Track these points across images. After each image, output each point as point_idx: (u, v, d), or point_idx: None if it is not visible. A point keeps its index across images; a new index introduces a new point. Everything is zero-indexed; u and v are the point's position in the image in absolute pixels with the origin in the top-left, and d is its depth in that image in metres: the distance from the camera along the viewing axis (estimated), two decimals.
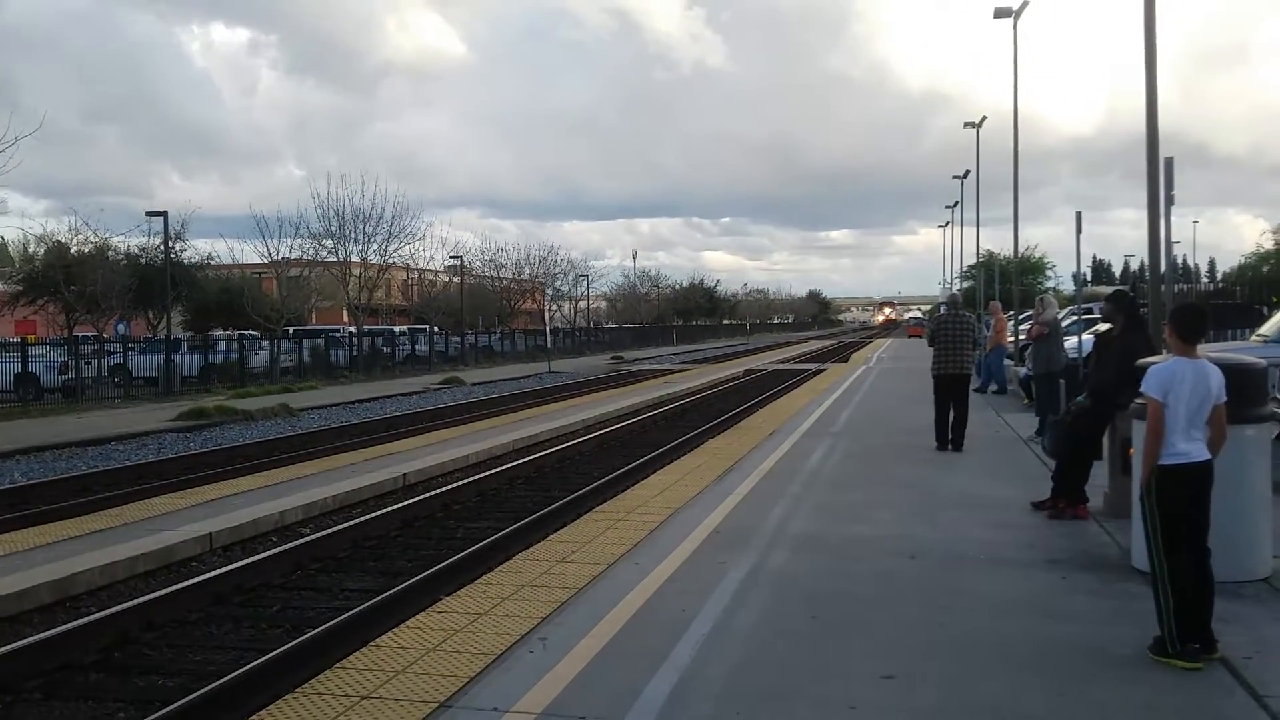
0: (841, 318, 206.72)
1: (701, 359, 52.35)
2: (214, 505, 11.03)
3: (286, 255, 44.37)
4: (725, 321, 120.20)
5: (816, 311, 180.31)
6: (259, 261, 45.59)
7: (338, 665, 5.34)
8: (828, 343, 77.67)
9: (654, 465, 13.43)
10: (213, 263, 48.88)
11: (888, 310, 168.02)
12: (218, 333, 43.21)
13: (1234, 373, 6.07)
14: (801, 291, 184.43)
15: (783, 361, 44.79)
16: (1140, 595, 5.60)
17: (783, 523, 8.66)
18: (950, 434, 13.04)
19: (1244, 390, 6.30)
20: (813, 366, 38.44)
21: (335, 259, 45.28)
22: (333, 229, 44.61)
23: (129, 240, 42.64)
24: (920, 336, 68.93)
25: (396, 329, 51.78)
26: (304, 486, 12.12)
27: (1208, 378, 5.22)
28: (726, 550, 7.64)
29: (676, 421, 20.60)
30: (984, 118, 38.66)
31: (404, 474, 13.10)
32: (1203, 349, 5.53)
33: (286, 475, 13.11)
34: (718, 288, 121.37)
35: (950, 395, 13.11)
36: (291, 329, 43.40)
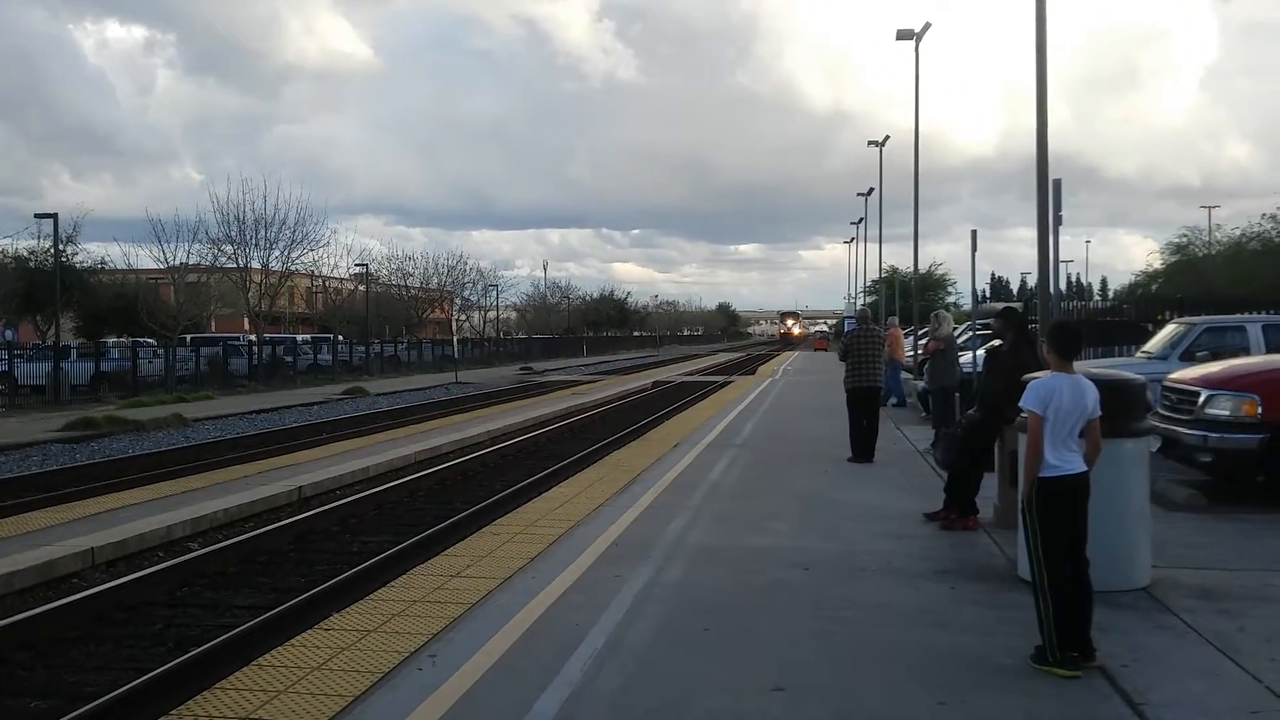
0: (750, 330, 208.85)
1: (611, 370, 52.39)
2: (98, 519, 10.64)
3: (184, 261, 43.28)
4: (635, 333, 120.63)
5: (726, 324, 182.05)
6: (155, 267, 44.35)
7: (218, 685, 5.18)
8: (736, 355, 78.39)
9: (557, 478, 13.35)
10: (106, 267, 47.44)
11: (790, 322, 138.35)
12: (111, 340, 41.89)
13: (1112, 388, 6.29)
14: (711, 304, 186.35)
15: (691, 374, 45.04)
16: (1024, 605, 5.72)
17: (681, 535, 8.67)
18: (863, 443, 13.27)
19: (1123, 405, 6.51)
20: (720, 379, 38.73)
21: (235, 265, 44.31)
22: (233, 234, 43.75)
23: (17, 243, 41.21)
24: (825, 350, 70.14)
25: (299, 338, 50.78)
26: (194, 500, 11.76)
27: (1084, 393, 5.38)
28: (624, 563, 7.63)
29: (582, 433, 20.56)
30: (887, 137, 39.68)
31: (300, 487, 12.80)
32: (1092, 364, 5.71)
33: (176, 488, 12.71)
34: (628, 299, 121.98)
35: (863, 407, 13.36)
36: (189, 337, 42.29)
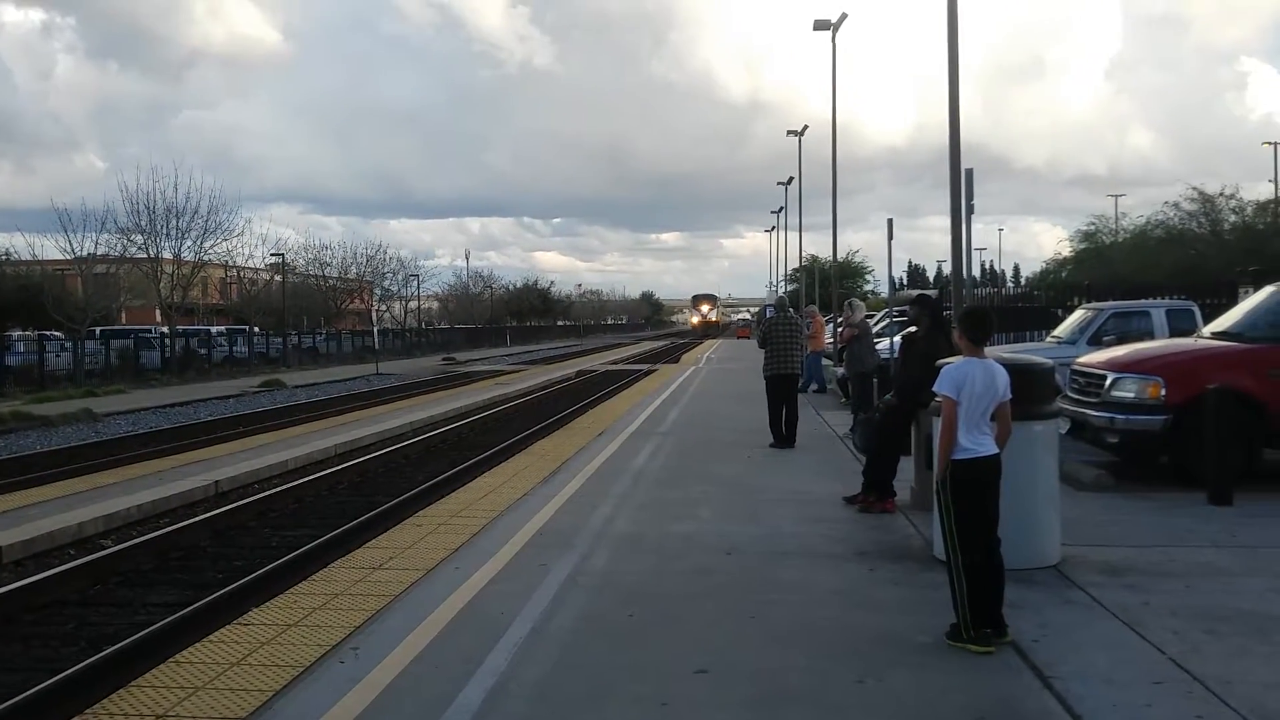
0: (674, 319, 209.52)
1: (535, 360, 52.22)
2: (4, 517, 10.33)
3: (92, 251, 41.98)
4: (560, 322, 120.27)
5: (650, 313, 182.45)
6: (62, 257, 42.95)
7: (133, 684, 5.06)
8: (660, 344, 78.63)
9: (481, 468, 13.30)
10: (10, 259, 45.84)
11: (706, 308, 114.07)
12: (16, 333, 40.48)
13: (1022, 372, 6.46)
14: (634, 293, 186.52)
15: (615, 362, 45.11)
16: (940, 584, 5.85)
17: (606, 523, 8.70)
18: (784, 430, 13.44)
19: (1032, 389, 6.70)
20: (645, 367, 38.85)
21: (146, 255, 43.12)
22: (143, 223, 42.52)
23: None
24: (748, 337, 70.72)
25: (214, 329, 49.64)
26: (106, 496, 11.47)
27: (995, 377, 5.52)
28: (549, 552, 7.63)
29: (506, 423, 20.47)
30: (805, 126, 40.05)
31: (216, 481, 12.56)
32: (1003, 349, 5.85)
33: (87, 484, 12.38)
34: (551, 289, 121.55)
35: (782, 394, 13.51)
36: (98, 329, 41.10)
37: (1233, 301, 15.67)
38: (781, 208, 53.18)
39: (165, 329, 43.29)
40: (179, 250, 43.94)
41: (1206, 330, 11.71)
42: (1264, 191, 45.86)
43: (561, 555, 7.49)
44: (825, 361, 23.54)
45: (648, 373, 34.43)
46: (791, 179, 45.15)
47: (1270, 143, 52.24)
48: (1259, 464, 9.90)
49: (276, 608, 6.39)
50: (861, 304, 15.60)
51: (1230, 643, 5.40)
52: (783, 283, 63.21)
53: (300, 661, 5.29)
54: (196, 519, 10.59)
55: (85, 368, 34.22)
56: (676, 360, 45.55)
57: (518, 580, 6.83)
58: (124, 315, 51.84)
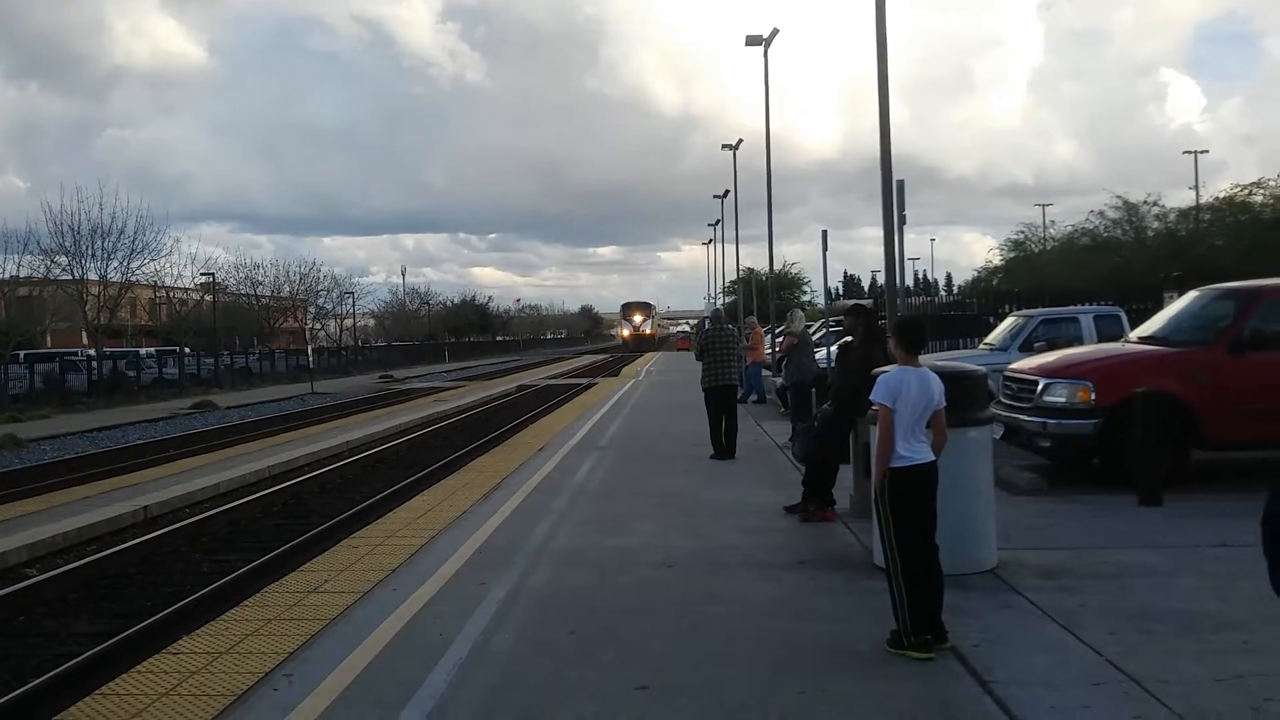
0: (613, 332, 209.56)
1: (474, 376, 51.85)
2: None
3: (14, 274, 40.96)
4: (499, 338, 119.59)
5: (589, 326, 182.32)
6: None
7: (55, 718, 4.88)
8: (600, 357, 78.52)
9: (419, 486, 13.12)
10: None
11: (639, 318, 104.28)
12: None
13: (955, 380, 6.51)
14: (573, 307, 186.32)
15: (555, 377, 44.95)
16: (880, 592, 5.87)
17: (546, 539, 8.63)
18: (724, 441, 13.45)
19: (965, 396, 6.75)
20: (585, 381, 38.77)
21: (70, 277, 42.15)
22: (67, 244, 41.60)
23: None
24: (688, 349, 70.91)
25: (143, 351, 48.57)
26: (29, 524, 11.12)
27: (929, 385, 5.56)
28: (488, 570, 7.54)
29: (445, 440, 20.27)
30: (740, 140, 40.25)
31: (145, 506, 12.24)
32: (937, 357, 5.88)
33: (10, 512, 12.00)
34: (490, 304, 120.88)
35: (721, 406, 13.53)
36: (22, 353, 40.01)
37: (1158, 307, 16.06)
38: (718, 220, 53.48)
39: (92, 351, 42.31)
40: (105, 271, 43.14)
41: (1134, 335, 11.95)
42: (1186, 199, 47.06)
43: (501, 573, 7.40)
44: (765, 372, 23.66)
45: (588, 387, 34.35)
46: (728, 192, 45.40)
47: (1190, 151, 53.72)
48: (1187, 465, 10.10)
49: (208, 635, 6.22)
50: (801, 314, 15.72)
51: (1164, 642, 5.48)
52: (721, 295, 63.52)
53: (232, 690, 5.15)
54: (125, 545, 10.31)
55: (9, 392, 33.31)
56: (616, 374, 45.52)
57: (457, 600, 6.73)
58: (49, 338, 50.55)
